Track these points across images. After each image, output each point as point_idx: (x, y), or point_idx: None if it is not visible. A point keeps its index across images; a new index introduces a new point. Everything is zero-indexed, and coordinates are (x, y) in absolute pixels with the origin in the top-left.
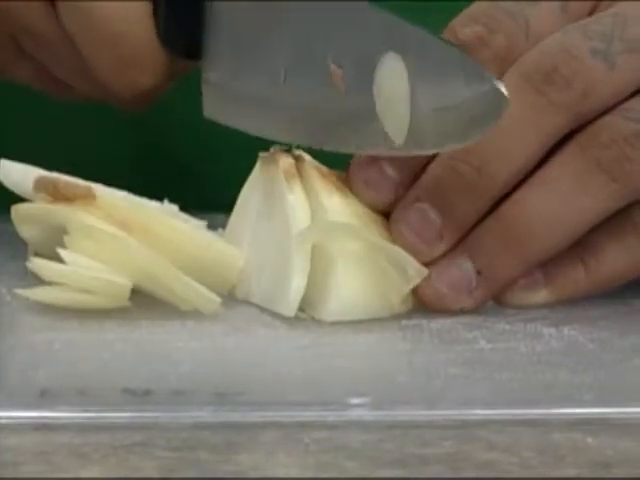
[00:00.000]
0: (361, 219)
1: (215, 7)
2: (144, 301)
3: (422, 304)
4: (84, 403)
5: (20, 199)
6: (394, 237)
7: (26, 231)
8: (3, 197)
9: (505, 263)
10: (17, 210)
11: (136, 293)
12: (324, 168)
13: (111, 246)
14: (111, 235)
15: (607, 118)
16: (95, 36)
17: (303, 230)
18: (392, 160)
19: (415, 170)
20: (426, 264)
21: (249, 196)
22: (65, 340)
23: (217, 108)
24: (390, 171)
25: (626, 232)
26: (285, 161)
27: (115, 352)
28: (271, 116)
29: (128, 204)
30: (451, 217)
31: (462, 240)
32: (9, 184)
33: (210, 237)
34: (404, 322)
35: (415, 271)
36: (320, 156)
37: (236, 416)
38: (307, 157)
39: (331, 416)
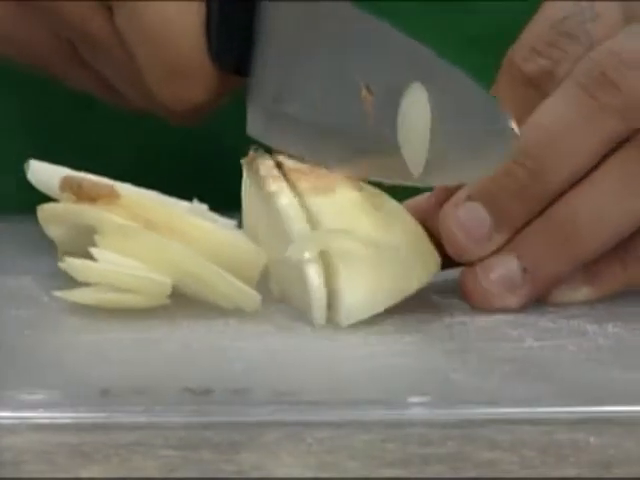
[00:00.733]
0: (349, 215)
1: (266, 25)
2: (183, 300)
3: (466, 301)
4: (145, 402)
5: (49, 199)
6: (441, 232)
7: (53, 231)
8: (32, 197)
9: (551, 262)
10: (43, 210)
11: (174, 292)
12: (305, 167)
13: (146, 244)
14: (145, 232)
15: None
16: (148, 44)
17: (301, 240)
18: None
19: None
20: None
21: (248, 201)
22: (111, 340)
23: (261, 127)
24: None
25: None
26: (265, 165)
27: (164, 352)
28: (310, 139)
29: (152, 203)
30: (502, 218)
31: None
32: (38, 184)
33: (233, 235)
34: (447, 320)
35: (430, 255)
36: None
37: (296, 415)
38: (286, 161)
39: (392, 415)
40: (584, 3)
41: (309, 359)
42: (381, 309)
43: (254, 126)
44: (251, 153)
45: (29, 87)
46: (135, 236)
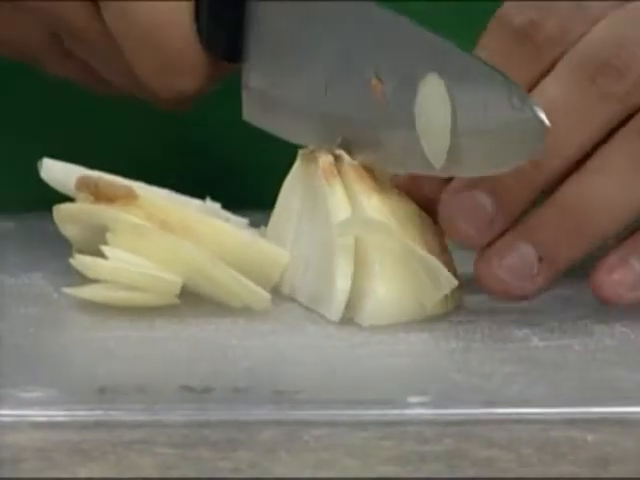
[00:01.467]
0: (400, 221)
1: (257, 11)
2: (191, 299)
3: (482, 288)
4: (144, 400)
5: (60, 197)
6: (442, 220)
7: (69, 230)
8: (45, 195)
9: (566, 249)
10: (59, 210)
11: (183, 291)
12: (362, 168)
13: (158, 243)
14: (159, 232)
15: None
16: (137, 38)
17: (344, 221)
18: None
19: None
20: (487, 250)
21: (290, 194)
22: (118, 338)
23: (256, 112)
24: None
25: None
26: (325, 159)
27: (170, 350)
28: (307, 124)
29: (169, 204)
30: (502, 205)
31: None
32: (52, 182)
33: (252, 236)
34: (454, 319)
35: (446, 280)
36: None
37: (294, 414)
38: (346, 157)
39: (391, 415)
40: None
41: (312, 358)
42: (402, 319)
43: (250, 111)
44: (311, 147)
45: (42, 86)
46: (146, 235)
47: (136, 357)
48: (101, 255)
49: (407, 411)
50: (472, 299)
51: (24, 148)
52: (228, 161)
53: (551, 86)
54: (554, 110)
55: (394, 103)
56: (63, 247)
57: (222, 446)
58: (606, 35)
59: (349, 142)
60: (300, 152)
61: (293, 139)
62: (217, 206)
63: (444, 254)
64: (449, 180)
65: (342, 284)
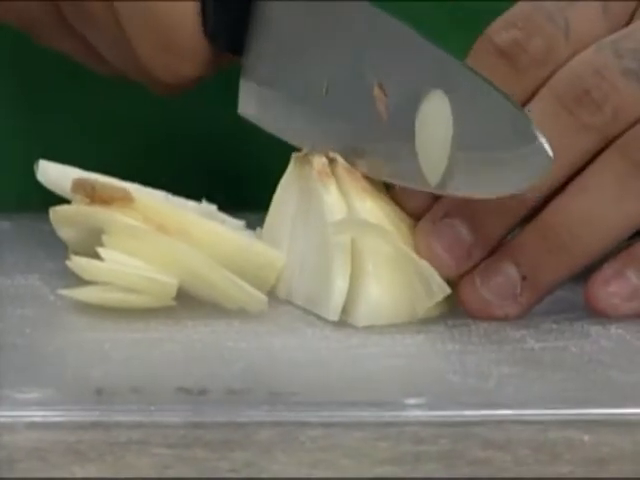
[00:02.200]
0: (394, 225)
1: (263, 6)
2: (187, 301)
3: (465, 311)
4: (140, 402)
5: (56, 198)
6: (420, 249)
7: (65, 232)
8: (40, 196)
9: (550, 269)
10: (55, 212)
11: (179, 293)
12: (356, 171)
13: (154, 245)
14: (155, 234)
15: None
16: (142, 18)
17: (340, 220)
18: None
19: None
20: (469, 274)
21: (284, 196)
22: (114, 339)
23: (251, 106)
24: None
25: None
26: (319, 161)
27: (166, 351)
28: (302, 123)
29: (166, 207)
30: (480, 234)
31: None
32: (48, 184)
33: (248, 239)
34: (450, 322)
35: (438, 287)
36: None
37: (290, 415)
38: (340, 159)
39: (387, 416)
40: None
41: (308, 360)
42: (397, 320)
43: (246, 105)
44: (305, 149)
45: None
46: (142, 236)
47: (132, 358)
48: (97, 257)
49: (404, 413)
50: None
51: (21, 148)
52: (225, 162)
53: (531, 116)
54: None
55: (395, 116)
56: (60, 248)
57: (219, 446)
58: (585, 66)
59: (344, 147)
60: (293, 155)
61: (285, 137)
62: (213, 208)
63: None
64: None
65: (340, 283)
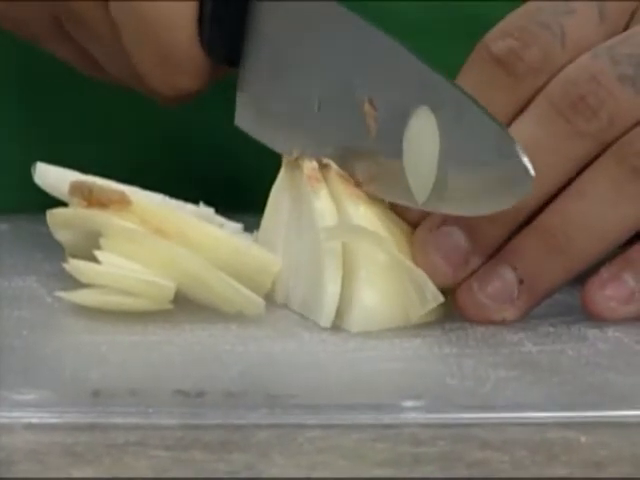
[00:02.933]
0: (388, 230)
1: (258, 20)
2: (185, 304)
3: (462, 315)
4: (137, 404)
5: (55, 200)
6: (417, 256)
7: (62, 235)
8: (38, 198)
9: (547, 272)
10: (52, 215)
11: (177, 296)
12: (349, 177)
13: (152, 248)
14: (152, 237)
15: None
16: (140, 33)
17: (331, 227)
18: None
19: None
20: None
21: (277, 200)
22: (112, 342)
23: (247, 118)
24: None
25: None
26: (309, 166)
27: (163, 354)
28: (296, 136)
29: (163, 210)
30: (478, 242)
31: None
32: (45, 187)
33: (245, 243)
34: (447, 325)
35: (432, 295)
36: None
37: (288, 418)
38: (333, 165)
39: (385, 419)
40: None
41: (306, 364)
42: (390, 326)
43: (242, 117)
44: (294, 152)
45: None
46: (139, 240)
47: (129, 361)
48: (95, 260)
49: (401, 415)
50: None
51: (19, 150)
52: (223, 164)
53: (527, 123)
54: (530, 148)
55: (384, 131)
56: (58, 250)
57: (217, 448)
58: (581, 72)
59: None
60: (284, 159)
61: (281, 150)
62: (210, 211)
63: None
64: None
65: (332, 288)
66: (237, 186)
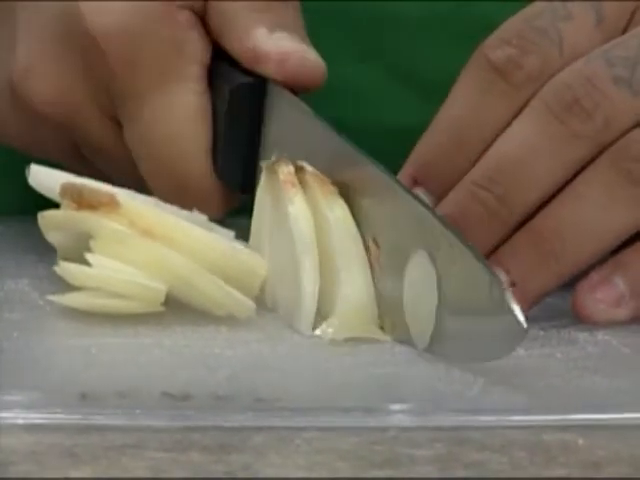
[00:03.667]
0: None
1: (270, 151)
2: (176, 307)
3: None
4: (125, 406)
5: (49, 201)
6: None
7: (53, 237)
8: (31, 200)
9: (540, 275)
10: (43, 217)
11: (168, 298)
12: (326, 178)
13: (141, 251)
14: (141, 239)
15: (636, 132)
16: (155, 165)
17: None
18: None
19: None
20: None
21: (261, 206)
22: (102, 344)
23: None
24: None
25: None
26: (284, 170)
27: (152, 357)
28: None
29: (151, 212)
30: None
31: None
32: (39, 188)
33: (232, 246)
34: None
35: None
36: None
37: (276, 421)
38: (309, 168)
39: (372, 422)
40: (556, 3)
41: (294, 367)
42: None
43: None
44: (273, 157)
45: None
46: (130, 242)
47: (119, 363)
48: (86, 262)
49: (390, 418)
50: None
51: (13, 151)
52: None
53: (522, 126)
54: (525, 151)
55: (386, 270)
56: (50, 252)
57: (214, 450)
58: (576, 75)
59: None
60: (264, 164)
61: None
62: (203, 218)
63: None
64: None
65: (308, 297)
66: None
